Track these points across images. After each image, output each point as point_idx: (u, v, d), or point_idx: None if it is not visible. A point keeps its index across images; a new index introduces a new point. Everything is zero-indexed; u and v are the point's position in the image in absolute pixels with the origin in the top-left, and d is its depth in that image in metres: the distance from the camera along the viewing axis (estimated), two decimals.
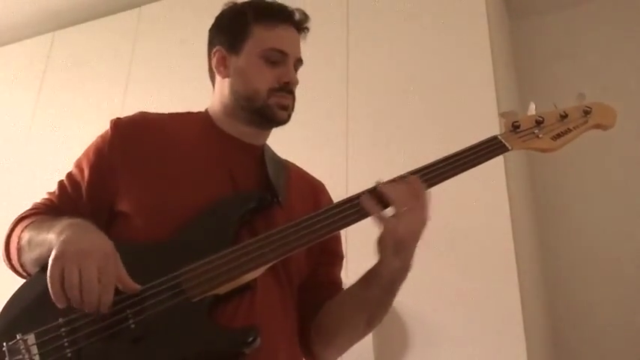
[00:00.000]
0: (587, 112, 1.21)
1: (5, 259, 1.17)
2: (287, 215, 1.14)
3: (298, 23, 1.26)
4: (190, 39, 2.68)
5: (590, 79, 2.75)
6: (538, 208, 2.71)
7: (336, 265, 1.30)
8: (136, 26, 3.09)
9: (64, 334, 0.97)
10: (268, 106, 1.19)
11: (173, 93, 2.72)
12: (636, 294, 2.40)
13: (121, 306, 0.98)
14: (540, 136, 1.19)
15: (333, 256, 1.29)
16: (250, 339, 0.99)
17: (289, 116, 1.22)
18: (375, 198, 1.07)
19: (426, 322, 1.97)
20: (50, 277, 0.94)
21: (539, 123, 1.20)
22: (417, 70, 2.36)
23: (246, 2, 1.28)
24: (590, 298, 2.47)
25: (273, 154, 1.29)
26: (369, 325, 1.18)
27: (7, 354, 0.96)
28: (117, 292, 0.96)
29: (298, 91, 1.24)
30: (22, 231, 1.12)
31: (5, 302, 1.06)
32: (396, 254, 1.06)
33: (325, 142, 2.36)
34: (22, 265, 1.13)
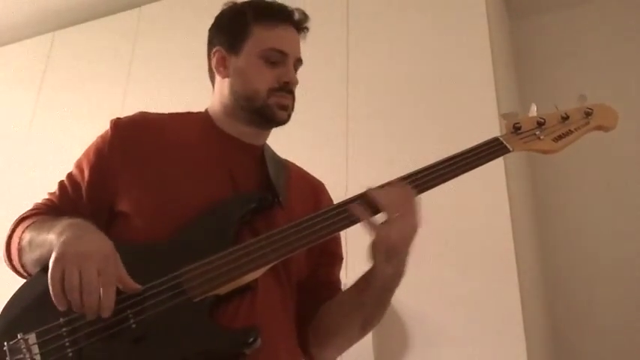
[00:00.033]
0: (588, 114, 1.21)
1: (6, 259, 1.17)
2: (287, 215, 1.14)
3: (298, 23, 1.25)
4: (190, 39, 2.68)
5: (590, 79, 2.75)
6: (538, 209, 2.71)
7: (336, 266, 1.30)
8: (136, 26, 3.09)
9: (64, 333, 0.97)
10: (268, 106, 1.19)
11: (173, 93, 2.72)
12: (636, 294, 2.40)
13: (122, 306, 0.97)
14: (542, 137, 1.19)
15: (332, 257, 1.29)
16: (251, 339, 0.99)
17: (289, 116, 1.22)
18: (366, 204, 1.06)
19: (426, 322, 1.97)
20: (51, 279, 0.94)
21: (540, 124, 1.20)
22: (417, 70, 2.36)
23: (245, 2, 1.28)
24: (590, 298, 2.47)
25: (274, 154, 1.29)
26: (364, 328, 1.19)
27: (8, 353, 0.96)
28: (118, 292, 0.96)
29: (298, 91, 1.24)
30: (23, 231, 1.12)
31: (6, 302, 1.06)
32: (389, 261, 1.06)
33: (325, 142, 2.36)
34: (22, 266, 1.13)
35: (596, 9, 2.93)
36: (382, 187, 1.09)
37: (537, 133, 1.19)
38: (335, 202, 1.16)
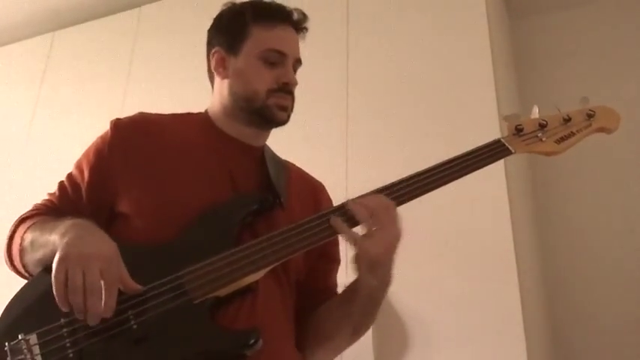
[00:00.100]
0: (590, 116, 1.21)
1: (7, 259, 1.17)
2: (288, 217, 1.14)
3: (297, 23, 1.25)
4: (190, 39, 2.68)
5: (590, 79, 2.75)
6: (538, 209, 2.71)
7: (333, 270, 1.30)
8: (136, 26, 3.09)
9: (65, 334, 0.97)
10: (267, 107, 1.19)
11: (173, 93, 2.72)
12: (636, 294, 2.40)
13: (123, 307, 0.98)
14: (544, 139, 1.19)
15: (330, 260, 1.29)
16: (252, 341, 0.99)
17: (288, 117, 1.22)
18: (345, 216, 1.06)
19: (426, 322, 1.97)
20: (55, 280, 0.94)
21: (542, 126, 1.19)
22: (417, 70, 2.36)
23: (244, 2, 1.28)
24: (590, 298, 2.47)
25: (274, 155, 1.29)
26: (355, 333, 1.19)
27: (9, 354, 0.96)
28: (119, 292, 0.96)
29: (298, 92, 1.24)
30: (24, 232, 1.12)
31: (7, 302, 1.06)
32: (372, 272, 1.06)
33: (325, 142, 2.36)
34: (24, 266, 1.13)
35: (596, 9, 2.93)
36: (363, 197, 1.08)
37: (539, 135, 1.19)
38: (335, 203, 1.16)
